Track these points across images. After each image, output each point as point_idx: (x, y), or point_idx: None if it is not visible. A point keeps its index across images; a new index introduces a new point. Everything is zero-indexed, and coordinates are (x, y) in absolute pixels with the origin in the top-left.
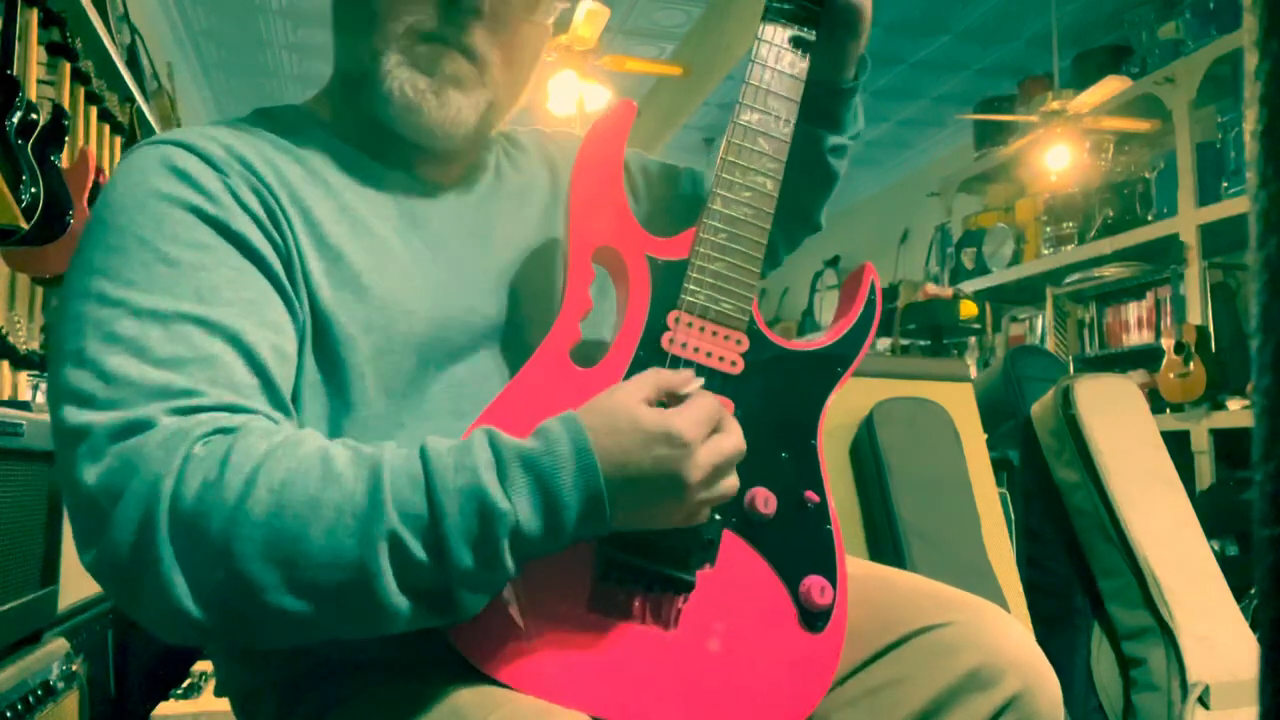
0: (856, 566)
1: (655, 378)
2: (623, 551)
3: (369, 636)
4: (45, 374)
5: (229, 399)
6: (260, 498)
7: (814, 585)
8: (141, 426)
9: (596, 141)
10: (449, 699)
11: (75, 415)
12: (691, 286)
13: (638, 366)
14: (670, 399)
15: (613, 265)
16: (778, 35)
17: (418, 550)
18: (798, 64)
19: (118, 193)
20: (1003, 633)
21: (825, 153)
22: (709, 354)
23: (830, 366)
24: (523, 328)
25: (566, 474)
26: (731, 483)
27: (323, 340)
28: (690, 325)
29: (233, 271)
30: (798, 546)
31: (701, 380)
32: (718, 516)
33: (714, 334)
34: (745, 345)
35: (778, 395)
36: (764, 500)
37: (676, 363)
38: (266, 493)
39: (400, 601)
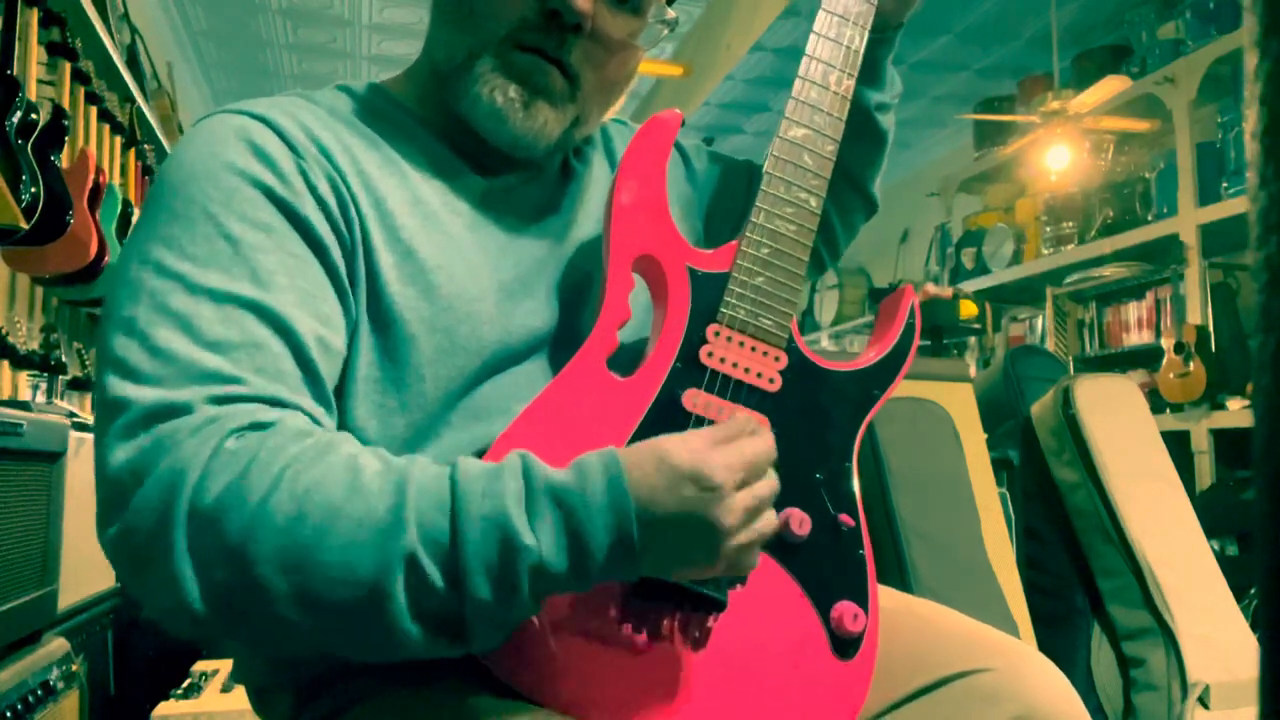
0: (888, 598)
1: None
2: None
3: (375, 661)
4: (43, 374)
5: (271, 390)
6: (282, 502)
7: (846, 611)
8: (179, 410)
9: (640, 148)
10: (466, 709)
11: (117, 386)
12: (732, 300)
13: (674, 378)
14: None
15: (652, 274)
16: (825, 50)
17: (435, 575)
18: (844, 81)
19: (189, 156)
20: (1043, 682)
21: (871, 109)
22: (747, 369)
23: (868, 388)
24: (580, 333)
25: (596, 511)
26: (769, 519)
27: (385, 336)
28: (729, 340)
29: (292, 258)
30: (831, 570)
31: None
32: None
33: (753, 349)
34: (784, 362)
35: (814, 415)
36: (798, 521)
37: (714, 377)
38: (289, 498)
39: (411, 627)
